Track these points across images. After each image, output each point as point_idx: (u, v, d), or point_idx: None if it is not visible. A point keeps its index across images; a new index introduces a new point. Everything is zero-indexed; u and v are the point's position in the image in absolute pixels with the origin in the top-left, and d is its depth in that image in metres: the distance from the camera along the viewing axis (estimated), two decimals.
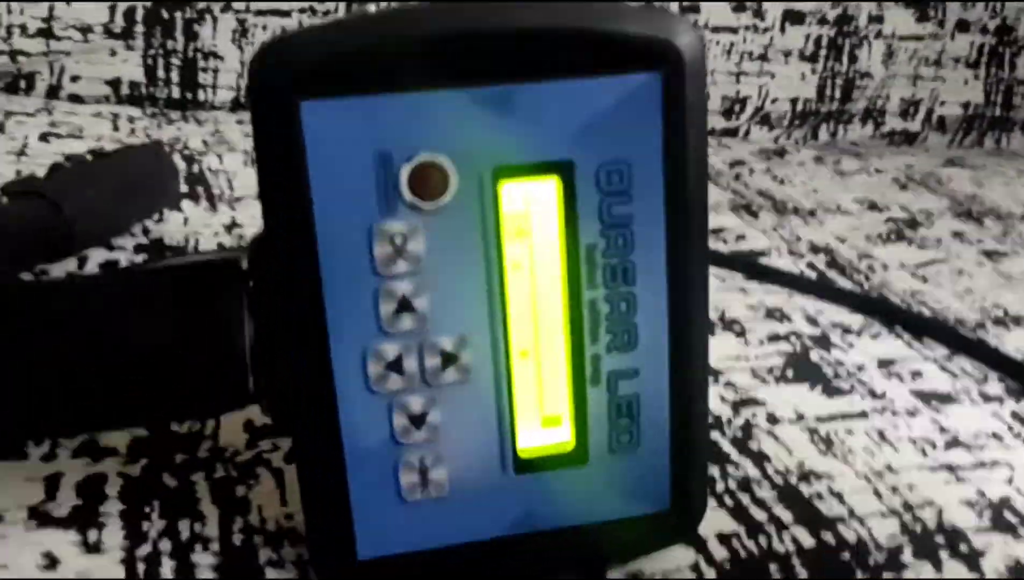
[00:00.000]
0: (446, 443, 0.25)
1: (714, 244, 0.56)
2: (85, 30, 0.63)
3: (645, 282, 0.25)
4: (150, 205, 0.42)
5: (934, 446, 0.37)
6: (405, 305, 0.24)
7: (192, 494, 0.29)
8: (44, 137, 0.53)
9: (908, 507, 0.33)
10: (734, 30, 0.77)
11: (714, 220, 0.60)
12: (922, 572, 0.30)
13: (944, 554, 0.31)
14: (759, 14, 0.77)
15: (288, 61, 0.22)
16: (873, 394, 0.40)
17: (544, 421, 0.26)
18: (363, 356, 0.24)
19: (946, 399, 0.40)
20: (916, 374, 0.42)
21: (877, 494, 0.33)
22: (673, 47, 0.23)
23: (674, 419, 0.26)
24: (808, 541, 0.31)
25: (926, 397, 0.40)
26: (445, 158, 0.23)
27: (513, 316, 0.25)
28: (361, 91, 0.22)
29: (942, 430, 0.38)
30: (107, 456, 0.30)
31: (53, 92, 0.63)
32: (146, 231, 0.44)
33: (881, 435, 0.37)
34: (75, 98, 0.63)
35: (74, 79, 0.63)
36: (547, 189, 0.24)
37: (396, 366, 0.24)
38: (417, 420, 0.25)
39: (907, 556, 0.31)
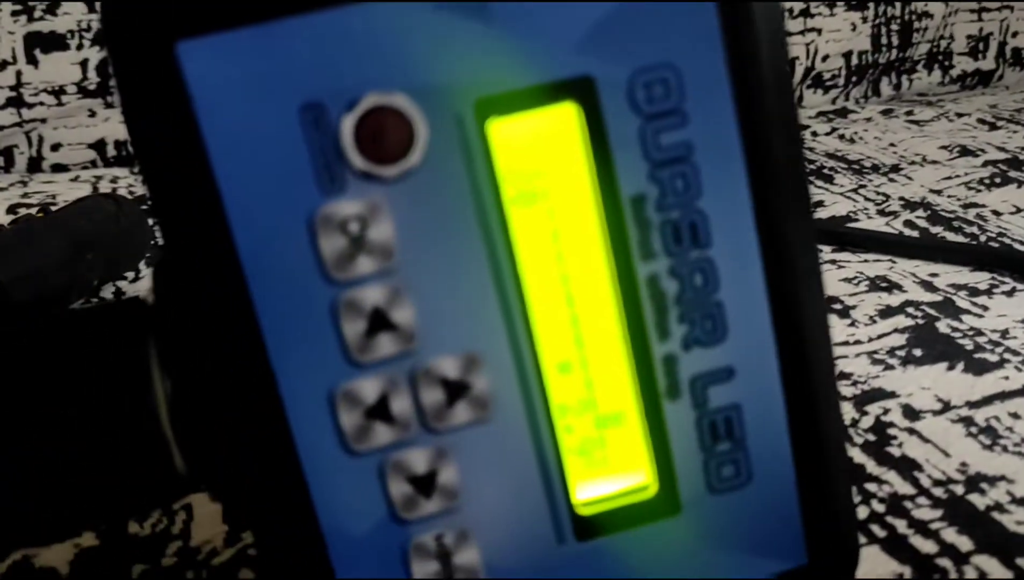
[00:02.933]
0: (472, 511, 0.17)
1: None
2: (57, 92, 0.57)
3: (726, 241, 0.17)
4: (115, 262, 0.36)
5: None
6: (379, 321, 0.16)
7: None
8: (12, 209, 0.47)
9: None
10: None
11: None
12: None
13: None
14: None
15: None
16: None
17: (607, 462, 0.18)
18: (331, 403, 0.17)
19: None
20: None
21: None
22: None
23: (797, 435, 0.18)
24: (1001, 573, 0.22)
25: None
26: (404, 98, 0.16)
27: (539, 316, 0.17)
28: (263, 16, 0.15)
29: None
30: None
31: (35, 165, 0.58)
32: (119, 292, 0.37)
33: None
34: (59, 168, 0.58)
35: (55, 147, 0.58)
36: (560, 122, 0.16)
37: (381, 411, 0.17)
38: (424, 484, 0.17)
39: None
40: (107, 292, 0.38)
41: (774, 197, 0.17)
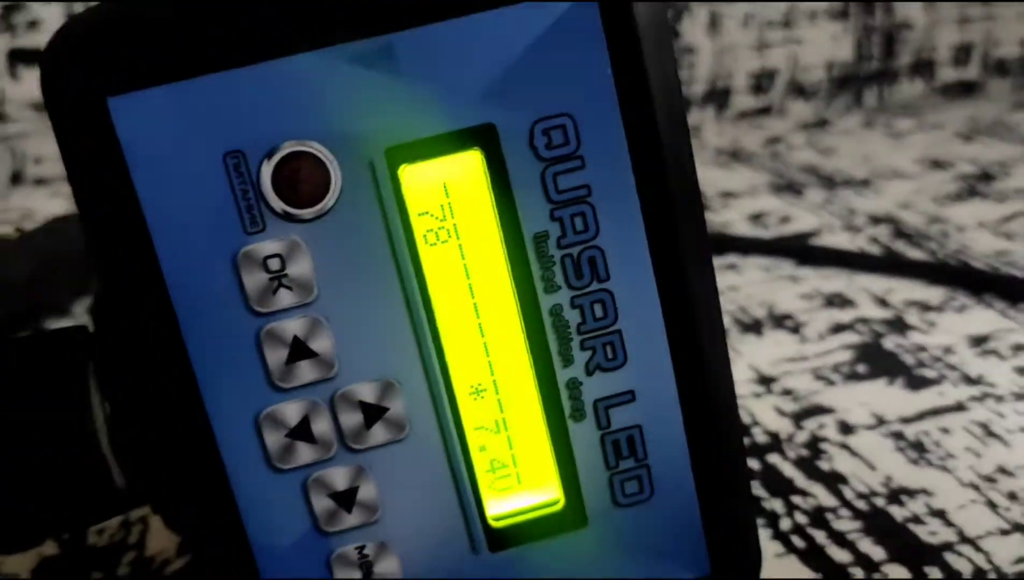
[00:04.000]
0: (391, 524, 0.19)
1: (754, 231, 0.48)
2: (39, 107, 0.59)
3: (623, 274, 0.18)
4: (83, 279, 0.37)
5: None
6: (300, 350, 0.18)
7: None
8: None
9: None
10: None
11: (752, 204, 0.52)
12: None
13: None
14: None
15: (84, 45, 0.16)
16: (968, 380, 0.33)
17: (518, 477, 0.19)
18: (256, 426, 0.18)
19: None
20: (1018, 348, 0.34)
21: (991, 506, 0.26)
22: None
23: (696, 450, 0.19)
24: None
25: None
26: (318, 146, 0.17)
27: (450, 344, 0.18)
28: (188, 72, 0.17)
29: None
30: None
31: (16, 178, 0.59)
32: (88, 311, 0.39)
33: (986, 429, 0.30)
34: (41, 181, 0.60)
35: (36, 161, 0.60)
36: (467, 167, 0.18)
37: (303, 432, 0.18)
38: (345, 499, 0.18)
39: None
40: (79, 308, 0.39)
41: (669, 231, 0.18)
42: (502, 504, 0.19)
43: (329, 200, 0.17)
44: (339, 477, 0.18)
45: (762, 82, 0.73)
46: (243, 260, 0.17)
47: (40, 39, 0.59)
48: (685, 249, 0.18)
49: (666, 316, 0.18)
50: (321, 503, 0.18)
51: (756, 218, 0.50)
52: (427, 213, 0.18)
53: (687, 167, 0.18)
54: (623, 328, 0.18)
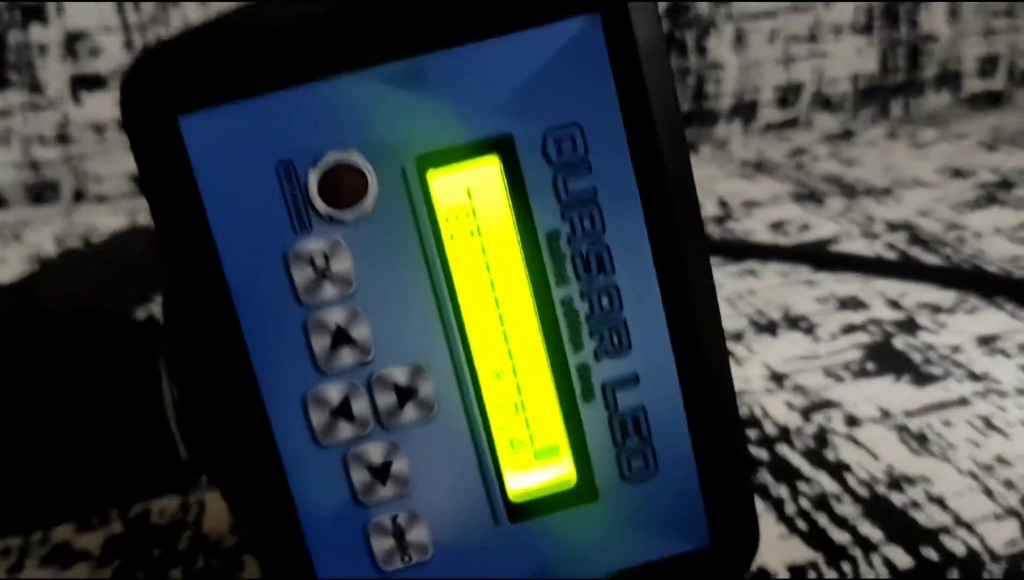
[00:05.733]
0: (421, 496, 0.21)
1: (774, 238, 0.50)
2: (100, 129, 0.63)
3: (627, 268, 0.20)
4: (147, 288, 0.40)
5: None
6: (342, 337, 0.20)
7: None
8: (58, 240, 0.52)
9: None
10: (772, 14, 0.72)
11: (773, 213, 0.54)
12: None
13: None
14: None
15: (158, 71, 0.19)
16: (973, 376, 0.34)
17: (535, 454, 0.21)
18: (303, 405, 0.20)
19: None
20: None
21: (988, 493, 0.28)
22: None
23: (695, 431, 0.21)
24: (904, 561, 0.25)
25: None
26: (357, 155, 0.19)
27: (474, 333, 0.21)
28: (245, 94, 0.19)
29: None
30: (79, 560, 0.27)
31: (79, 196, 0.63)
32: (153, 316, 0.42)
33: (987, 422, 0.31)
34: (101, 198, 0.63)
35: (98, 180, 0.63)
36: (487, 173, 0.20)
37: (344, 411, 0.20)
38: (380, 473, 0.21)
39: None
40: (142, 313, 0.42)
41: (668, 229, 0.20)
42: (521, 479, 0.21)
43: (367, 203, 0.20)
44: (375, 452, 0.20)
45: (788, 95, 0.74)
46: (292, 258, 0.20)
47: (100, 66, 0.63)
48: (683, 245, 0.20)
49: (666, 306, 0.20)
50: (359, 475, 0.20)
51: (777, 226, 0.52)
52: (453, 214, 0.20)
53: (684, 170, 0.20)
54: (628, 317, 0.20)
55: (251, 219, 0.19)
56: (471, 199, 0.20)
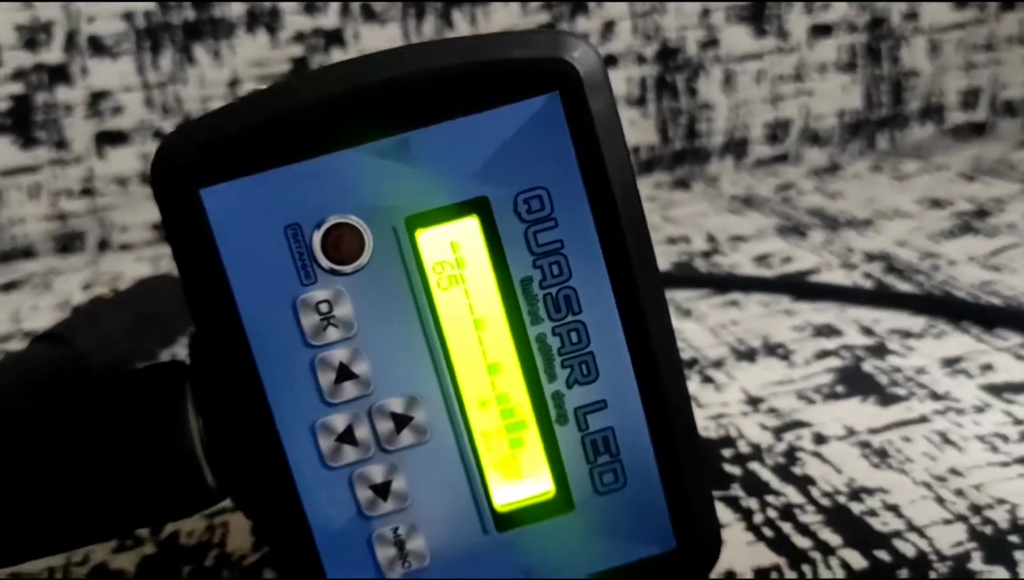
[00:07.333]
0: (418, 509, 0.24)
1: (757, 270, 0.53)
2: (123, 181, 0.67)
3: (592, 307, 0.23)
4: (169, 331, 0.43)
5: (1006, 440, 0.33)
6: (345, 373, 0.23)
7: None
8: (87, 287, 0.56)
9: (976, 509, 0.30)
10: (759, 56, 0.76)
11: (757, 246, 0.57)
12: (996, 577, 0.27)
13: (1021, 555, 0.27)
14: (782, 35, 0.76)
15: (181, 152, 0.22)
16: (935, 396, 0.37)
17: (518, 472, 0.24)
18: (312, 432, 0.23)
19: (1021, 389, 0.37)
20: (986, 367, 0.39)
21: (939, 500, 0.30)
22: (565, 63, 0.22)
23: (658, 447, 0.24)
24: (859, 563, 0.28)
25: (997, 390, 0.37)
26: (355, 218, 0.23)
27: (460, 367, 0.24)
28: (258, 169, 0.22)
29: (1016, 422, 0.34)
30: None
31: (104, 245, 0.67)
32: (174, 357, 0.45)
33: (943, 437, 0.34)
34: (125, 247, 0.67)
35: (122, 229, 0.67)
36: (467, 230, 0.23)
37: (348, 437, 0.23)
38: (381, 490, 0.24)
39: (976, 563, 0.27)
40: (165, 356, 0.45)
41: (626, 273, 0.23)
42: (506, 493, 0.24)
43: (364, 258, 0.23)
44: (376, 472, 0.23)
45: (777, 132, 0.78)
46: (301, 305, 0.23)
47: (123, 123, 0.67)
48: (640, 285, 0.23)
49: (628, 339, 0.24)
50: (363, 493, 0.23)
51: (761, 259, 0.55)
52: (439, 265, 0.23)
53: (638, 221, 0.23)
54: (594, 350, 0.24)
55: (264, 273, 0.23)
56: (454, 252, 0.23)
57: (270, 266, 0.23)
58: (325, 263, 0.23)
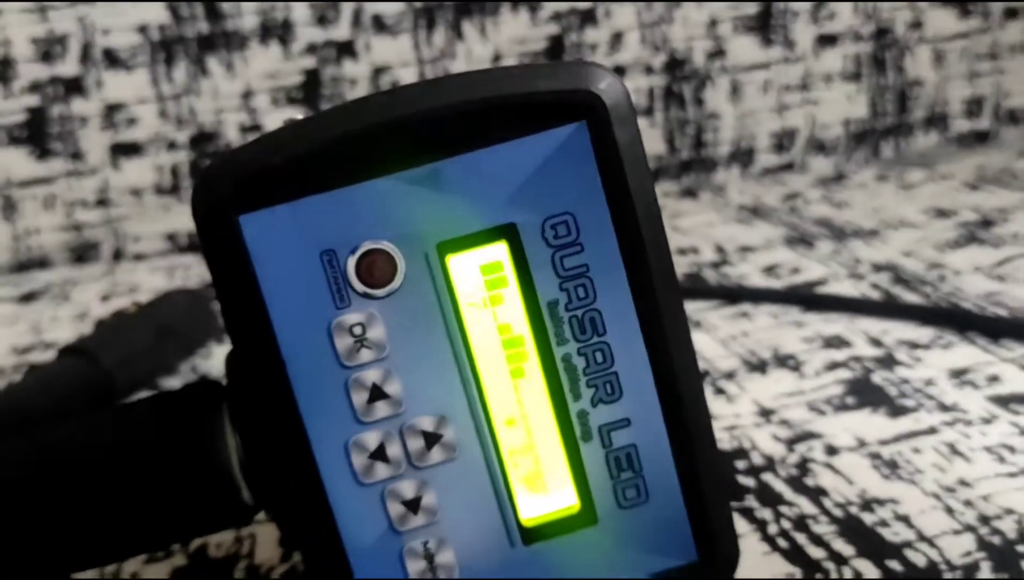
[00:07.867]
0: (447, 524, 0.25)
1: (766, 281, 0.54)
2: (137, 192, 0.68)
3: (616, 329, 0.24)
4: (189, 344, 0.44)
5: (1013, 451, 0.34)
6: (377, 393, 0.24)
7: None
8: (105, 298, 0.57)
9: (984, 520, 0.30)
10: (765, 66, 0.76)
11: (765, 257, 0.58)
12: None
13: None
14: (788, 45, 0.76)
15: (222, 180, 0.23)
16: (943, 407, 0.38)
17: (544, 487, 0.25)
18: (346, 450, 0.24)
19: None
20: (993, 379, 0.39)
21: (949, 511, 0.31)
22: (591, 94, 0.23)
23: (680, 463, 0.25)
24: (871, 572, 0.29)
25: (1004, 401, 0.38)
26: (388, 244, 0.23)
27: (488, 386, 0.24)
28: (294, 196, 0.23)
29: (1023, 432, 0.35)
30: None
31: (118, 255, 0.68)
32: (194, 369, 0.46)
33: (952, 448, 0.35)
34: (139, 257, 0.68)
35: (135, 240, 0.68)
36: (496, 254, 0.24)
37: (380, 454, 0.24)
38: (412, 505, 0.24)
39: (985, 572, 0.28)
40: (185, 368, 0.46)
41: (649, 296, 0.24)
42: (532, 508, 0.25)
43: (396, 282, 0.24)
44: (407, 488, 0.24)
45: (783, 141, 0.78)
46: (335, 328, 0.24)
47: (137, 134, 0.68)
48: (662, 308, 0.24)
49: (651, 359, 0.24)
50: (394, 508, 0.24)
51: (770, 270, 0.56)
52: (468, 289, 0.24)
53: (661, 246, 0.24)
54: (618, 370, 0.24)
55: (300, 297, 0.23)
56: (484, 276, 0.24)
57: (306, 290, 0.23)
58: (359, 287, 0.23)
